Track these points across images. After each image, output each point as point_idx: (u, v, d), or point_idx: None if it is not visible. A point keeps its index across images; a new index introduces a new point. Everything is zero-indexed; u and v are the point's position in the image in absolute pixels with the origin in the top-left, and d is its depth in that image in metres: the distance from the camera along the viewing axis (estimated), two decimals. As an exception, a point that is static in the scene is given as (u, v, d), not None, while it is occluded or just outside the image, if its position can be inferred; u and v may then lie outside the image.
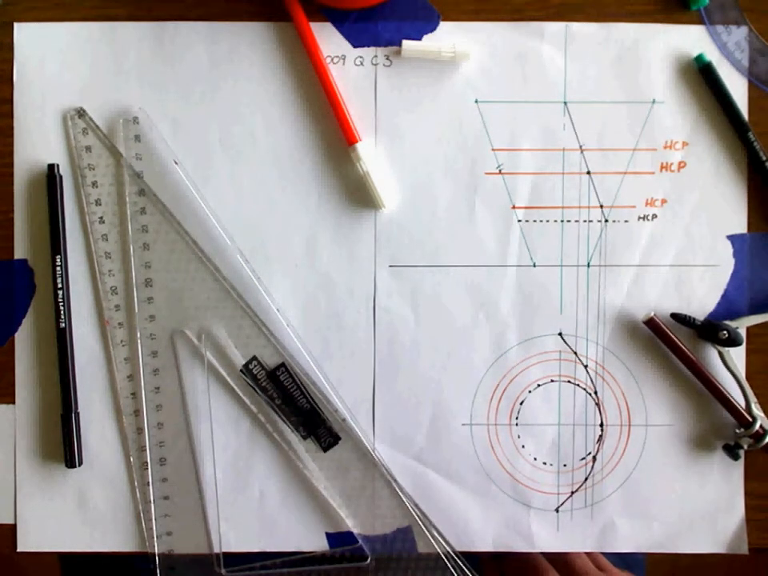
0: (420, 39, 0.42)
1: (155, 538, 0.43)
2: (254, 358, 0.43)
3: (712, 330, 0.42)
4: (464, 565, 0.43)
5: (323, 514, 0.44)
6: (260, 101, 0.43)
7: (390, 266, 0.43)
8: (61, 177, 0.42)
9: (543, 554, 0.45)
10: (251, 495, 0.44)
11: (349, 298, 0.43)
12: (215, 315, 0.43)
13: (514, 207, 0.43)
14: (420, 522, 0.43)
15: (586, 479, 0.44)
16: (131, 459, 0.43)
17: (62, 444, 0.43)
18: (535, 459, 0.44)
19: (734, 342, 0.42)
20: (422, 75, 0.43)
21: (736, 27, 0.43)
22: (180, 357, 0.43)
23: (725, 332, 0.42)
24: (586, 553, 0.48)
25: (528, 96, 0.43)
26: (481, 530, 0.44)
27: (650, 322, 0.43)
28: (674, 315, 0.43)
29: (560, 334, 0.44)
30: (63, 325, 0.42)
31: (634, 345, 0.44)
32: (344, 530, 0.44)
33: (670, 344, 0.43)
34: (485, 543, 0.44)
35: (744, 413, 0.43)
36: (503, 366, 0.44)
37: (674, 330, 0.43)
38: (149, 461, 0.43)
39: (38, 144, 0.42)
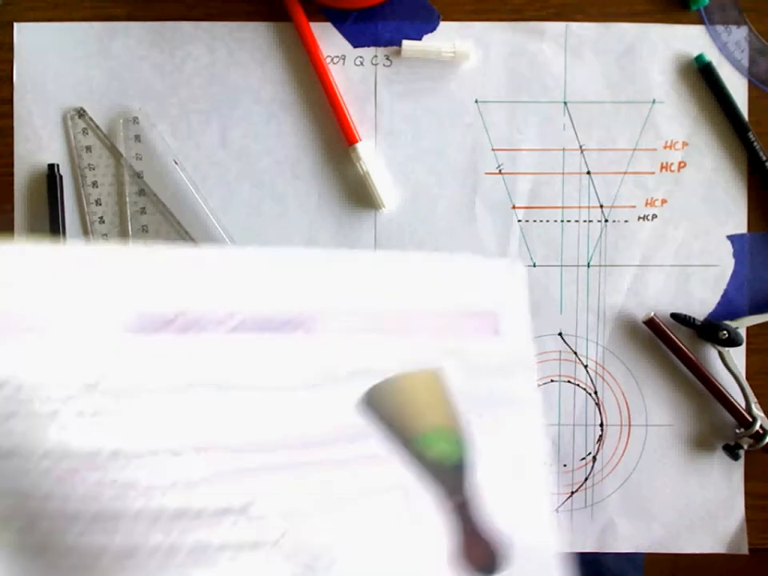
0: (420, 39, 0.42)
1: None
2: (254, 357, 0.43)
3: (712, 330, 0.42)
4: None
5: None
6: (260, 101, 0.43)
7: (390, 266, 0.43)
8: (61, 177, 0.42)
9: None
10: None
11: (349, 298, 0.43)
12: (215, 315, 0.43)
13: (514, 207, 0.43)
14: (420, 522, 0.43)
15: (586, 479, 0.44)
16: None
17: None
18: (535, 459, 0.44)
19: (734, 341, 0.42)
20: (422, 75, 0.43)
21: (736, 27, 0.43)
22: (180, 357, 0.43)
23: (725, 332, 0.42)
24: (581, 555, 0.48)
25: (528, 96, 0.43)
26: (481, 530, 0.44)
27: (650, 322, 0.42)
28: (673, 315, 0.43)
29: (560, 334, 0.44)
30: (63, 325, 0.42)
31: (634, 345, 0.44)
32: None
33: (670, 344, 0.43)
34: (485, 543, 0.44)
35: (744, 413, 0.43)
36: (503, 366, 0.43)
37: (673, 330, 0.43)
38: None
39: (38, 144, 0.42)
